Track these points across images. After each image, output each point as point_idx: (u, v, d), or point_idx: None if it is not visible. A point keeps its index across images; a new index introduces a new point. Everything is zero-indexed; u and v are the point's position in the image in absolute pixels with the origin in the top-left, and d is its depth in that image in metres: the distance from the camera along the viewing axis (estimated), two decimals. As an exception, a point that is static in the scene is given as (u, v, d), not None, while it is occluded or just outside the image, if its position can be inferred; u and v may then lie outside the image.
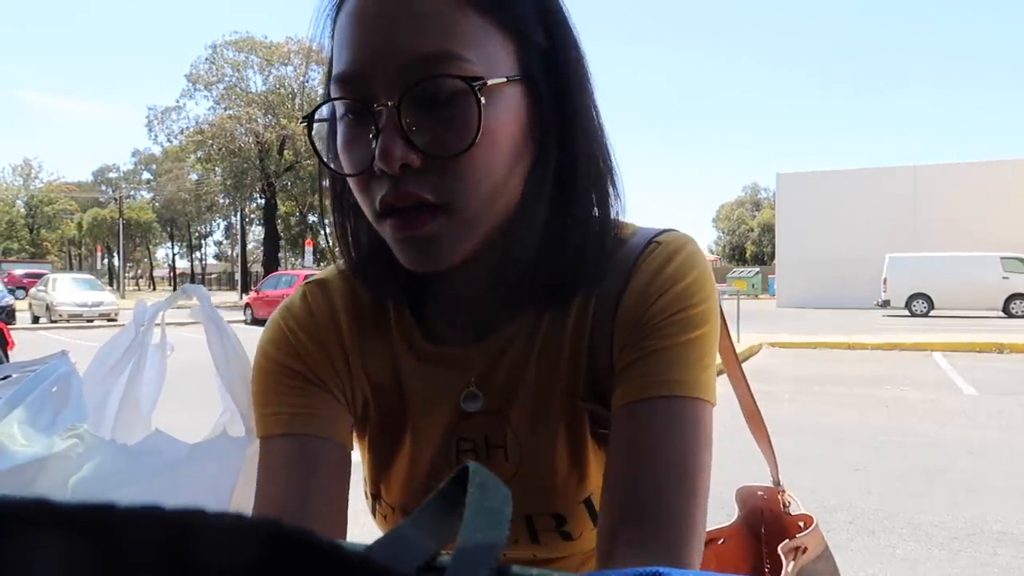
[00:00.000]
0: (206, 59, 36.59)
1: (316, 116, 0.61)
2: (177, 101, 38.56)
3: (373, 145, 0.56)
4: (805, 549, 0.87)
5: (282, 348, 0.70)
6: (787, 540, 0.86)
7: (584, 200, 0.64)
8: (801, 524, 0.91)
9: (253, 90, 36.61)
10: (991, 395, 7.49)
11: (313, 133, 0.62)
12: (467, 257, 0.61)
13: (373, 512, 0.77)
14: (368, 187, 0.58)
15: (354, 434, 0.72)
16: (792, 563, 0.84)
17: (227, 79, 36.47)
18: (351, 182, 0.60)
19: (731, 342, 0.83)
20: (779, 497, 0.96)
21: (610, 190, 0.66)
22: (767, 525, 0.96)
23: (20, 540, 0.16)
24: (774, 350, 11.82)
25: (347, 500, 0.68)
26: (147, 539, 0.18)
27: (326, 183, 0.71)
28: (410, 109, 0.56)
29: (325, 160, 0.63)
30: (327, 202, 0.70)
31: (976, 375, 8.76)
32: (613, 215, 0.66)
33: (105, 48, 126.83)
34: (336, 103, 0.60)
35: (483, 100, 0.55)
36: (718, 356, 0.69)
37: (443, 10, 0.55)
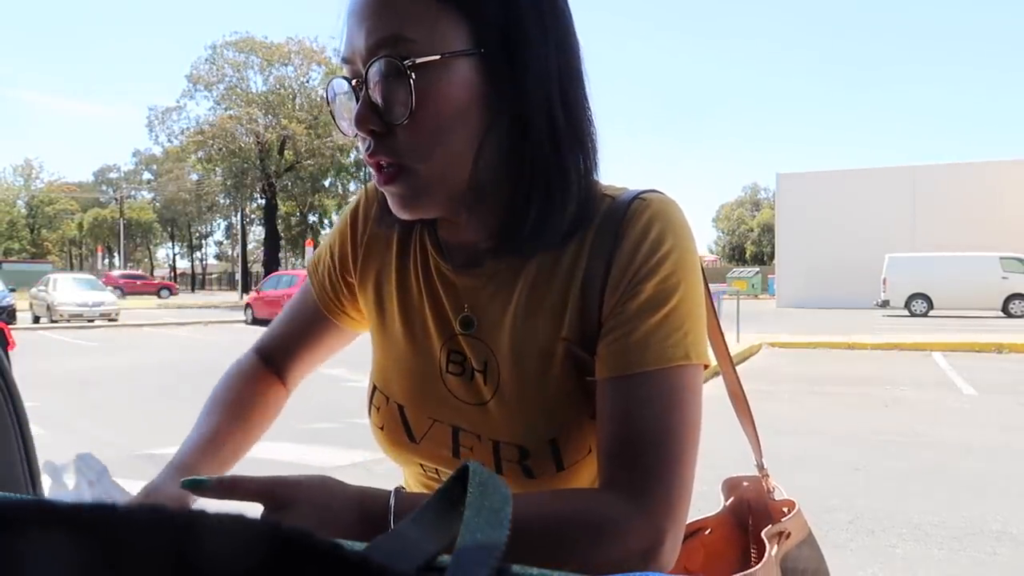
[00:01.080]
0: (206, 59, 36.56)
1: (339, 89, 0.72)
2: (178, 101, 38.57)
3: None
4: (788, 534, 0.88)
5: (339, 225, 0.89)
6: (770, 525, 0.87)
7: (541, 162, 0.69)
8: (785, 510, 0.92)
9: (253, 90, 36.58)
10: (990, 395, 7.49)
11: (332, 104, 0.73)
12: (446, 207, 0.71)
13: (369, 404, 0.84)
14: (362, 146, 0.70)
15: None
16: (776, 547, 0.85)
17: (227, 79, 36.44)
18: (357, 141, 0.71)
19: (716, 319, 0.88)
20: (763, 483, 0.97)
21: (577, 153, 0.71)
22: (753, 514, 0.96)
23: (20, 540, 0.16)
24: (774, 350, 11.82)
25: (323, 356, 0.94)
26: (147, 539, 0.18)
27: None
28: (376, 84, 0.66)
29: (338, 124, 0.74)
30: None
31: (975, 375, 8.76)
32: (585, 171, 0.72)
33: (105, 48, 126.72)
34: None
35: (413, 76, 0.64)
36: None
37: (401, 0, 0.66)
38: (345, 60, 0.69)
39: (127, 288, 37.03)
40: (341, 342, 0.94)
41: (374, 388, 0.84)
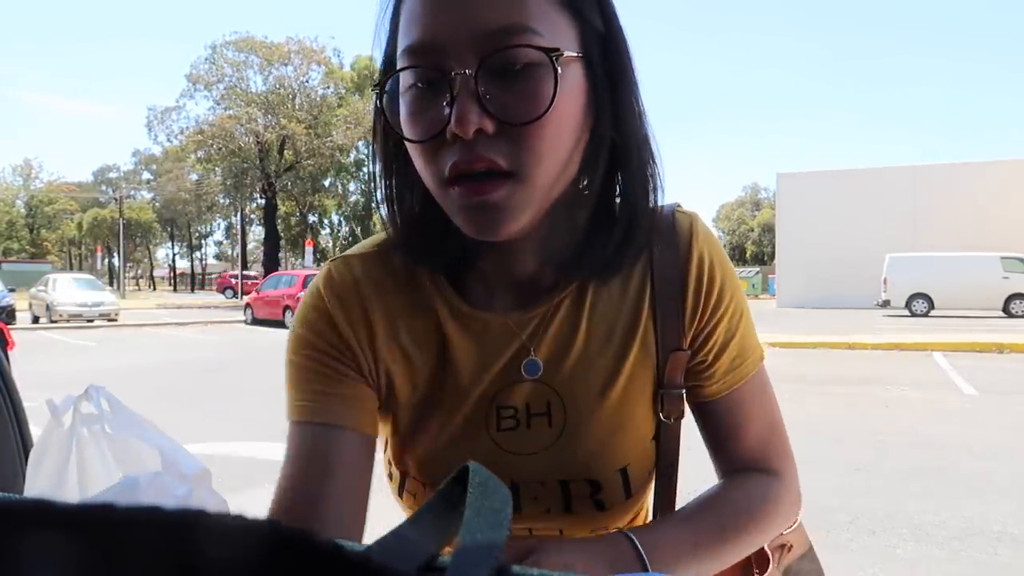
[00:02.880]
0: (206, 59, 36.54)
1: (405, 84, 0.62)
2: (177, 101, 38.53)
3: (447, 111, 0.58)
4: (790, 547, 0.88)
5: (309, 328, 0.71)
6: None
7: (634, 181, 0.67)
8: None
9: (253, 90, 36.55)
10: (991, 395, 7.49)
11: (382, 100, 0.64)
12: (530, 225, 0.63)
13: (400, 492, 0.76)
14: (436, 154, 0.60)
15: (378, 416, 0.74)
16: (778, 560, 0.85)
17: (227, 79, 36.41)
18: (416, 150, 0.62)
19: None
20: None
21: (656, 173, 0.70)
22: None
23: (20, 540, 0.16)
24: (774, 350, 11.82)
25: (367, 492, 0.69)
26: (147, 539, 0.18)
27: (378, 163, 0.72)
28: (485, 78, 0.58)
29: (394, 125, 0.64)
30: (378, 171, 0.71)
31: (976, 375, 8.75)
32: (654, 198, 0.70)
33: (105, 48, 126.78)
34: (404, 73, 0.61)
35: (560, 71, 0.58)
36: None
37: None
38: (419, 50, 0.60)
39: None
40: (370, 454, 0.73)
41: (403, 476, 0.75)
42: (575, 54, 0.61)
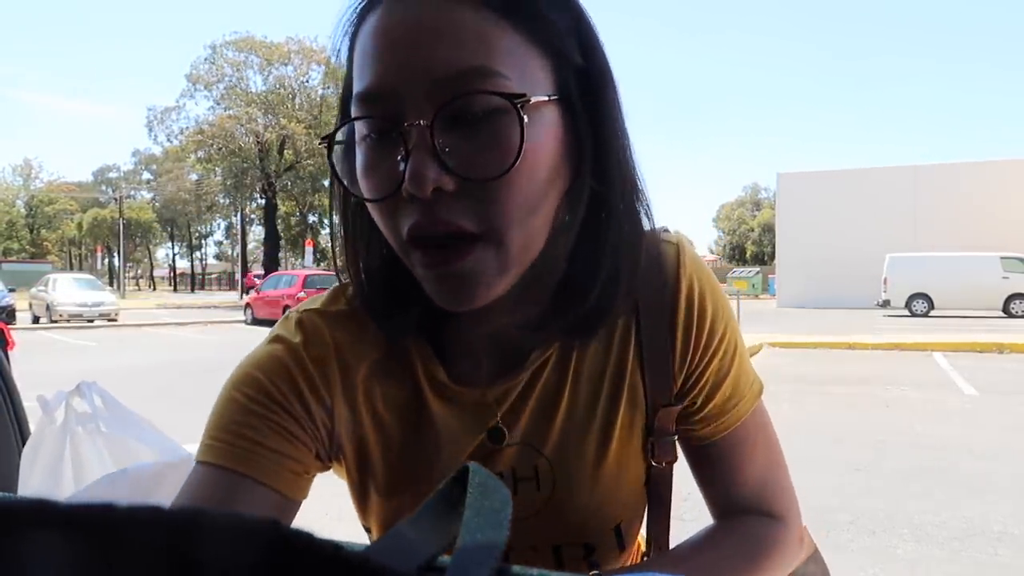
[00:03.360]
0: (206, 59, 36.54)
1: (359, 135, 0.56)
2: (177, 101, 38.47)
3: (402, 167, 0.51)
4: None
5: (269, 374, 0.62)
6: None
7: (618, 226, 0.60)
8: None
9: (253, 90, 36.56)
10: (991, 395, 7.49)
11: (334, 155, 0.58)
12: (510, 286, 0.57)
13: None
14: (394, 214, 0.54)
15: (349, 478, 0.69)
16: None
17: (227, 79, 36.42)
18: (374, 209, 0.55)
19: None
20: None
21: (643, 214, 0.63)
22: None
23: (20, 540, 0.16)
24: (774, 350, 11.81)
25: None
26: (147, 539, 0.18)
27: (336, 215, 0.66)
28: (444, 129, 0.51)
29: (346, 184, 0.58)
30: (344, 239, 0.65)
31: (976, 375, 8.75)
32: (639, 242, 0.63)
33: (105, 48, 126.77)
34: (357, 124, 0.55)
35: (526, 118, 0.51)
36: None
37: (479, 24, 0.51)
38: (370, 97, 0.53)
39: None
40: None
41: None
42: (547, 96, 0.54)
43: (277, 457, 0.60)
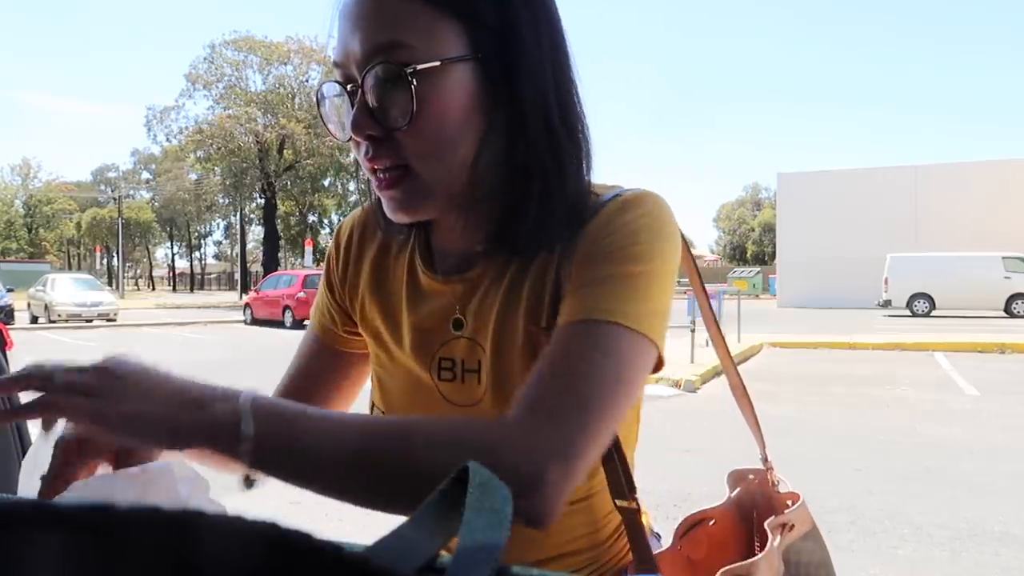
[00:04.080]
0: (205, 59, 36.53)
1: (330, 93, 0.73)
2: (176, 101, 38.43)
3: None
4: (792, 526, 0.88)
5: (329, 254, 0.90)
6: (773, 516, 0.87)
7: (539, 163, 0.70)
8: (789, 502, 0.92)
9: (253, 90, 36.56)
10: (993, 395, 7.49)
11: (321, 107, 0.74)
12: (444, 208, 0.72)
13: None
14: (357, 150, 0.71)
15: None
16: (778, 538, 0.85)
17: (226, 79, 36.41)
18: (351, 145, 0.72)
19: (715, 317, 0.91)
20: (768, 476, 0.97)
21: (572, 153, 0.72)
22: (758, 507, 0.96)
23: (20, 540, 0.16)
24: (775, 350, 11.82)
25: (342, 403, 0.89)
26: (147, 539, 0.18)
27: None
28: (372, 89, 0.67)
29: (328, 127, 0.75)
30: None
31: (978, 375, 8.76)
32: (579, 174, 0.73)
33: (105, 48, 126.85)
34: (330, 84, 0.72)
35: (415, 82, 0.65)
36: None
37: (396, 4, 0.66)
38: (338, 64, 0.70)
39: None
40: (357, 375, 0.90)
41: (372, 407, 0.85)
42: (446, 59, 0.66)
43: (324, 304, 0.89)
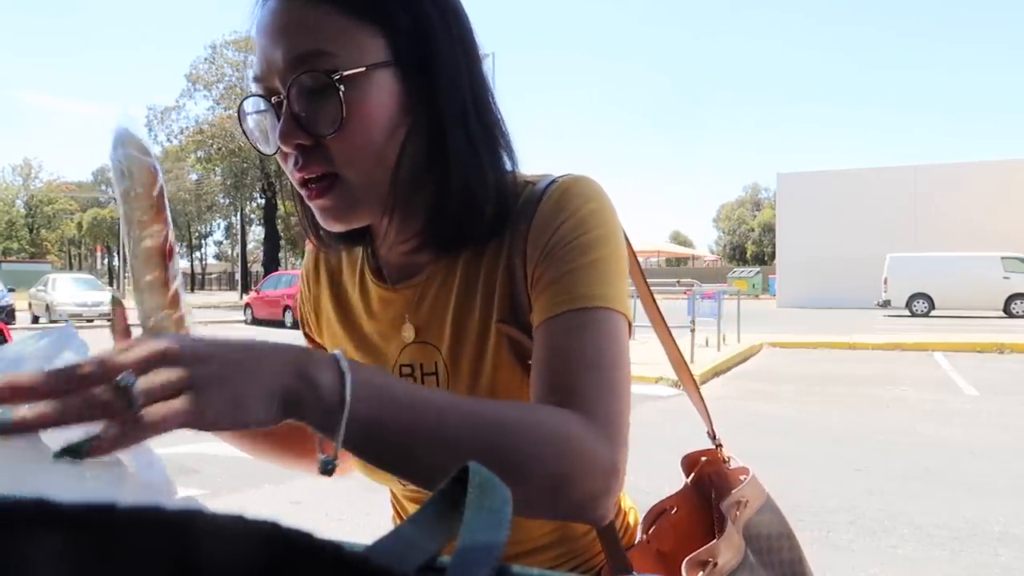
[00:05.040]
0: (206, 59, 36.56)
1: (253, 109, 0.73)
2: (177, 101, 38.47)
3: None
4: (746, 502, 0.87)
5: (299, 290, 0.94)
6: (727, 497, 0.87)
7: (460, 159, 0.72)
8: (741, 478, 0.91)
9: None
10: (992, 395, 7.49)
11: (244, 124, 0.74)
12: (374, 214, 0.72)
13: None
14: (285, 163, 0.71)
15: None
16: (736, 518, 0.84)
17: (227, 79, 36.42)
18: (278, 159, 0.72)
19: (647, 286, 0.90)
20: (719, 453, 0.95)
21: (492, 148, 0.75)
22: (715, 487, 0.94)
23: (20, 540, 0.16)
24: (775, 350, 11.82)
25: None
26: (147, 539, 0.18)
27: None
28: (298, 99, 0.67)
29: (253, 144, 0.75)
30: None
31: (977, 375, 8.76)
32: (501, 168, 0.76)
33: (105, 48, 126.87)
34: (253, 98, 0.72)
35: (343, 88, 0.66)
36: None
37: (314, 15, 0.67)
38: (258, 79, 0.70)
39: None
40: None
41: None
42: (368, 65, 0.67)
43: (307, 320, 0.93)
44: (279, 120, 0.68)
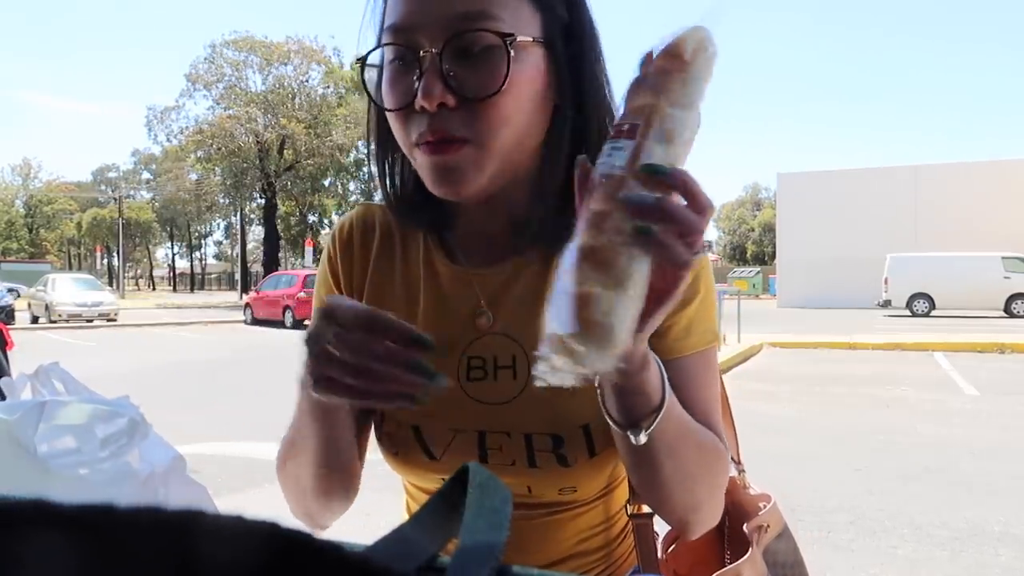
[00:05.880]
0: (205, 59, 36.47)
1: (387, 58, 0.70)
2: (177, 101, 38.39)
3: (416, 85, 0.66)
4: (767, 527, 0.88)
5: (327, 253, 0.87)
6: (749, 520, 0.87)
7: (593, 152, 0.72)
8: (761, 504, 0.91)
9: (253, 90, 36.53)
10: (992, 395, 7.49)
11: (365, 75, 0.72)
12: (490, 193, 0.70)
13: (379, 432, 0.80)
14: (407, 122, 0.68)
15: None
16: (758, 542, 0.85)
17: (227, 79, 36.36)
18: (391, 117, 0.70)
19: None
20: (740, 479, 0.95)
21: None
22: (728, 513, 0.95)
23: (20, 540, 0.16)
24: (775, 350, 11.81)
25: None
26: (147, 539, 0.18)
27: (373, 126, 0.80)
28: (449, 57, 0.65)
29: (373, 97, 0.73)
30: (372, 144, 0.80)
31: (977, 375, 8.75)
32: None
33: (105, 48, 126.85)
34: (385, 49, 0.70)
35: (512, 53, 0.65)
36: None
37: None
38: (398, 28, 0.67)
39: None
40: None
41: (382, 416, 0.80)
42: (533, 38, 0.67)
43: (340, 273, 0.85)
44: (420, 74, 0.65)
